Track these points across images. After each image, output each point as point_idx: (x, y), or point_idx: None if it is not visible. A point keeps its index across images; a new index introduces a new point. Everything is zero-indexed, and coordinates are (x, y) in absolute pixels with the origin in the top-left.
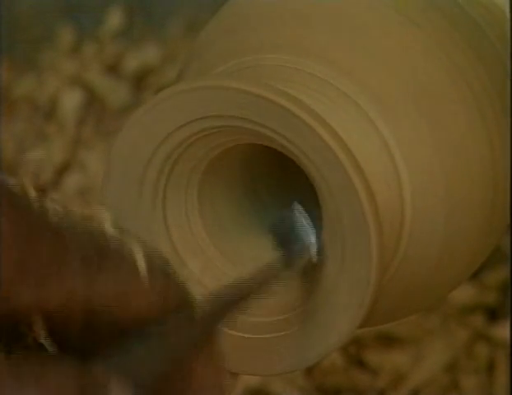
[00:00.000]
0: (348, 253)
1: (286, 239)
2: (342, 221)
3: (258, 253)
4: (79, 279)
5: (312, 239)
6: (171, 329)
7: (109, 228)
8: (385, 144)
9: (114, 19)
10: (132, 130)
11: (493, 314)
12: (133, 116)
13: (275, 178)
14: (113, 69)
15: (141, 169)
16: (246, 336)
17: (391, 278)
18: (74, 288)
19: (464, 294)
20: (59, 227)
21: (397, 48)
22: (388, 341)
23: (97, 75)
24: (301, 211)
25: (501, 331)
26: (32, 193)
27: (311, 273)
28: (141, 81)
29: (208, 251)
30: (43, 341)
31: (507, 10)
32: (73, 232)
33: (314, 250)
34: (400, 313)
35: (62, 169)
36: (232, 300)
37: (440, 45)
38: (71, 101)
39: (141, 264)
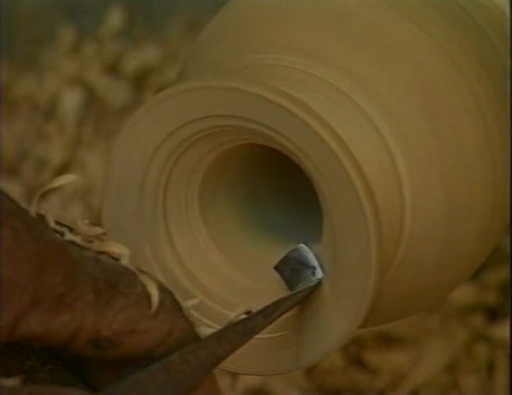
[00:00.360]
0: (348, 253)
1: (293, 276)
2: (342, 221)
3: (259, 252)
4: (89, 313)
5: (319, 274)
6: (177, 360)
7: (125, 263)
8: (385, 144)
9: (114, 19)
10: (133, 130)
11: (493, 314)
12: (133, 116)
13: (275, 179)
14: (113, 69)
15: (142, 169)
16: None
17: (391, 279)
18: (83, 321)
19: (464, 294)
20: (75, 259)
21: (398, 48)
22: (388, 341)
23: (97, 75)
24: (307, 250)
25: (501, 331)
26: (52, 223)
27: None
28: (141, 81)
29: (209, 251)
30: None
31: (507, 10)
32: (88, 265)
33: (321, 283)
34: (400, 313)
35: (62, 169)
36: (242, 331)
37: (441, 45)
38: (71, 101)
39: (155, 298)
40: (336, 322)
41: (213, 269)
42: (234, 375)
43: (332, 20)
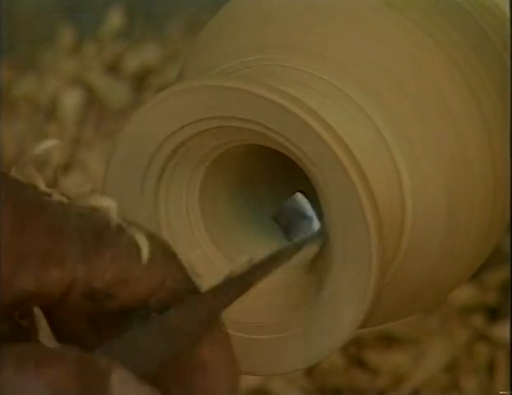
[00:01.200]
0: (349, 253)
1: (290, 227)
2: (343, 221)
3: (260, 252)
4: (79, 265)
5: (316, 224)
6: (174, 316)
7: (113, 216)
8: (385, 144)
9: (114, 19)
10: (133, 130)
11: (493, 314)
12: (134, 116)
13: (275, 178)
14: (113, 69)
15: (143, 169)
16: (247, 336)
17: (392, 278)
18: (74, 274)
19: (464, 294)
20: (60, 214)
21: (398, 48)
22: (388, 341)
23: (97, 75)
24: (304, 200)
25: (501, 331)
26: (38, 182)
27: (312, 273)
28: (141, 81)
29: (210, 252)
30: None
31: (507, 10)
32: (74, 219)
33: (318, 237)
34: (400, 313)
35: (62, 169)
36: (239, 285)
37: (441, 45)
38: (71, 101)
39: (144, 248)
40: (337, 321)
41: (214, 269)
42: None
43: (333, 21)
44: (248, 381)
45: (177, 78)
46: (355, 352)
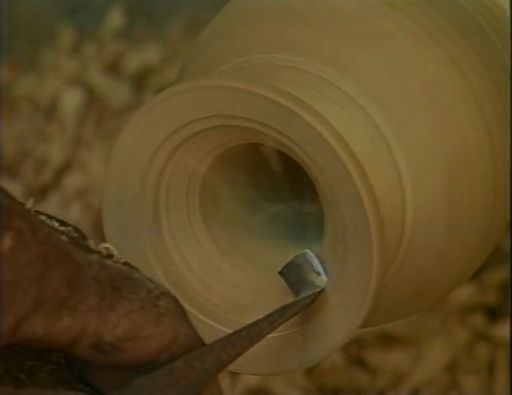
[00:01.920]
0: (350, 254)
1: (298, 281)
2: (344, 221)
3: (260, 252)
4: (91, 317)
5: (323, 278)
6: (181, 366)
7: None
8: (386, 143)
9: (114, 19)
10: (133, 130)
11: (493, 314)
12: (134, 116)
13: (277, 178)
14: (113, 69)
15: (143, 169)
16: None
17: (392, 278)
18: (85, 325)
19: (464, 294)
20: (79, 263)
21: (398, 48)
22: (388, 341)
23: (97, 75)
24: (312, 255)
25: (501, 331)
26: (56, 225)
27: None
28: (141, 81)
29: (210, 252)
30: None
31: (507, 9)
32: (92, 268)
33: (323, 289)
34: (400, 313)
35: (62, 169)
36: (247, 337)
37: (441, 45)
38: (71, 101)
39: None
40: (338, 321)
41: (215, 270)
42: (234, 375)
43: (333, 21)
44: (248, 381)
45: (177, 78)
46: (355, 352)
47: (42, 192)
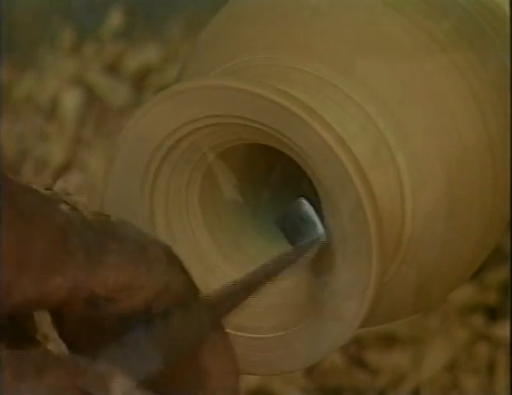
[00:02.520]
0: (349, 254)
1: (293, 232)
2: (343, 221)
3: (260, 252)
4: (81, 272)
5: (320, 229)
6: (175, 320)
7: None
8: (386, 144)
9: (114, 19)
10: (133, 130)
11: (493, 314)
12: (134, 116)
13: (277, 178)
14: (113, 69)
15: (143, 169)
16: (247, 335)
17: (391, 278)
18: (76, 281)
19: (464, 294)
20: (64, 221)
21: (398, 48)
22: (388, 341)
23: (97, 75)
24: (307, 204)
25: (501, 331)
26: (39, 188)
27: (312, 274)
28: (141, 81)
29: (210, 251)
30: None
31: (507, 10)
32: (78, 225)
33: (322, 240)
34: (400, 313)
35: (63, 169)
36: (243, 289)
37: (441, 45)
38: (71, 101)
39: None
40: (337, 321)
41: (214, 269)
42: None
43: (333, 21)
44: (248, 381)
45: (177, 78)
46: (355, 352)
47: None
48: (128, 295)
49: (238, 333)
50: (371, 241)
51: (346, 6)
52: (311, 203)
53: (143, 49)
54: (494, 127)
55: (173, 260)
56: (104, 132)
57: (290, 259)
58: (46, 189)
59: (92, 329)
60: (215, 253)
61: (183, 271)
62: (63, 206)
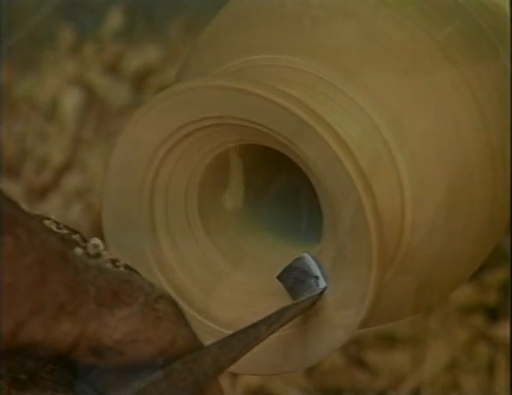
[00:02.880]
0: (349, 253)
1: (297, 285)
2: (343, 222)
3: (259, 252)
4: (90, 321)
5: (322, 283)
6: (180, 368)
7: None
8: (386, 144)
9: (114, 19)
10: (133, 131)
11: (493, 314)
12: (134, 116)
13: (276, 179)
14: (113, 69)
15: (142, 169)
16: None
17: (391, 279)
18: (84, 329)
19: (464, 294)
20: (77, 268)
21: (398, 48)
22: (388, 341)
23: (97, 75)
24: (310, 258)
25: (501, 331)
26: (56, 229)
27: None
28: (141, 81)
29: (209, 252)
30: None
31: (507, 10)
32: (91, 273)
33: (321, 292)
34: (400, 313)
35: (62, 169)
36: (245, 340)
37: (441, 45)
38: (71, 101)
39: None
40: (338, 321)
41: (214, 270)
42: (234, 375)
43: (334, 22)
44: (248, 381)
45: (177, 78)
46: (355, 352)
47: (42, 193)
48: (134, 347)
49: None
50: (371, 242)
51: (345, 7)
52: (310, 202)
53: (143, 49)
54: (494, 126)
55: (178, 314)
56: (104, 132)
57: (292, 313)
58: (62, 228)
59: (98, 371)
60: (214, 253)
61: (187, 325)
62: (79, 250)
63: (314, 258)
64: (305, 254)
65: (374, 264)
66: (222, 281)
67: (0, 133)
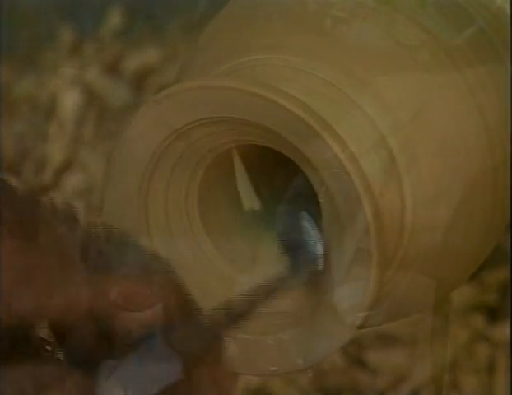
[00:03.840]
0: (349, 253)
1: (293, 247)
2: (342, 221)
3: (259, 253)
4: (83, 287)
5: (319, 247)
6: (178, 337)
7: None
8: (386, 144)
9: (114, 19)
10: (133, 130)
11: (493, 314)
12: (134, 116)
13: (276, 179)
14: (113, 69)
15: (142, 169)
16: (247, 336)
17: (391, 278)
18: (77, 296)
19: (464, 294)
20: (65, 236)
21: (398, 48)
22: (388, 341)
23: (97, 75)
24: (308, 220)
25: (501, 331)
26: (42, 198)
27: (313, 274)
28: (141, 81)
29: (209, 252)
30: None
31: (507, 10)
32: (82, 238)
33: (320, 258)
34: (400, 313)
35: (62, 169)
36: (241, 307)
37: (441, 45)
38: (71, 101)
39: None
40: (337, 322)
41: (213, 270)
42: (234, 375)
43: (330, 20)
44: (248, 381)
45: (176, 78)
46: (355, 352)
47: (42, 193)
48: (127, 310)
49: (238, 334)
50: (371, 242)
51: (344, 6)
52: (309, 202)
53: (143, 49)
54: (494, 126)
55: (174, 277)
56: (104, 132)
57: (288, 279)
58: (65, 203)
59: (92, 345)
60: (214, 254)
61: (184, 288)
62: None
63: (311, 222)
64: (304, 213)
65: (375, 264)
66: (223, 281)
67: (0, 133)
